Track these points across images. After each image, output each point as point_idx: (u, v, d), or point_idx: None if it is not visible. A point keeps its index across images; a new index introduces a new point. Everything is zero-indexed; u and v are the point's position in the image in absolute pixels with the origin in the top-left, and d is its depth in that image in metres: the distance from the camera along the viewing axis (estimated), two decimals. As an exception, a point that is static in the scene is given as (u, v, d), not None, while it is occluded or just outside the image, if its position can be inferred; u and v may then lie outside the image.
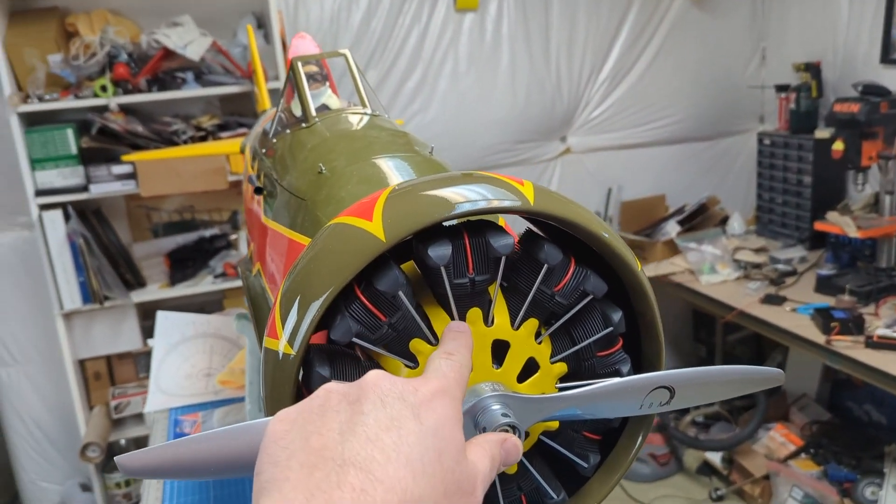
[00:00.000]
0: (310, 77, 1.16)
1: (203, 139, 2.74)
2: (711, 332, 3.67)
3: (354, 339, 0.58)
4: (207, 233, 3.01)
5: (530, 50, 3.39)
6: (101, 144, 2.61)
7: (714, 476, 3.25)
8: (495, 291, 0.61)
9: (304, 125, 1.02)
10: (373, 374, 0.45)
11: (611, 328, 0.63)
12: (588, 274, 0.62)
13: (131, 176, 2.65)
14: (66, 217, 2.65)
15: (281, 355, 0.58)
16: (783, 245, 3.25)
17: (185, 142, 2.68)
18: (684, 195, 3.66)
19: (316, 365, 0.58)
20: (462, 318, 0.61)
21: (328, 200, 0.79)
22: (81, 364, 2.89)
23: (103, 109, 2.65)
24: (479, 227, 0.60)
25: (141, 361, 2.82)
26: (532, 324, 0.62)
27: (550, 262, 0.60)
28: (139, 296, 2.81)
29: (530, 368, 0.63)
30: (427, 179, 0.62)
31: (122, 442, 2.87)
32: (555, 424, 0.65)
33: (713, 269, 3.13)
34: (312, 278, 0.57)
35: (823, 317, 2.48)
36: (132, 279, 2.82)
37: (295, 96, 1.12)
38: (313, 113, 1.02)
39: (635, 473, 3.33)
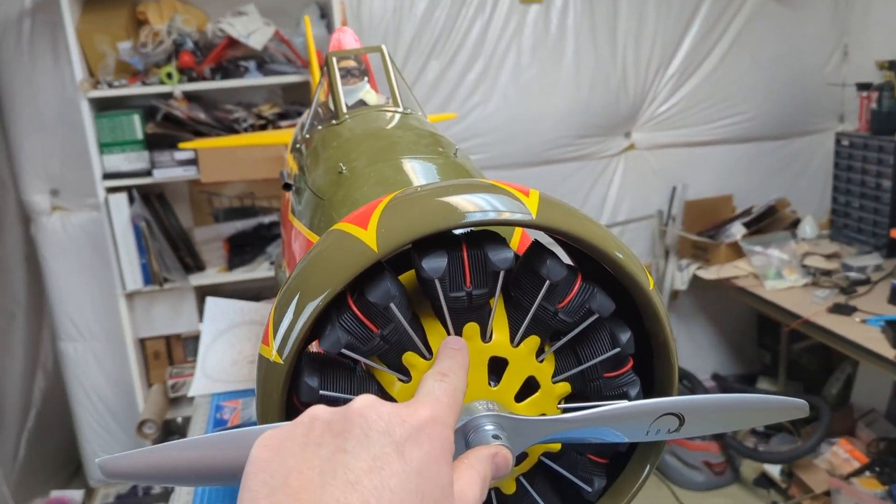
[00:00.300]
0: (347, 72, 1.14)
1: (263, 127, 2.78)
2: (777, 339, 3.52)
3: (344, 351, 0.56)
4: (266, 220, 3.06)
5: (596, 42, 3.31)
6: (165, 130, 2.68)
7: (772, 489, 3.13)
8: (493, 306, 0.58)
9: (334, 122, 1.01)
10: (360, 402, 0.44)
11: (618, 349, 0.60)
12: (594, 291, 0.59)
13: (193, 162, 2.71)
14: (131, 200, 2.73)
15: (270, 363, 0.57)
16: (858, 252, 3.09)
17: (246, 130, 2.73)
18: (753, 196, 3.52)
19: (305, 375, 0.57)
20: (458, 332, 0.59)
21: (344, 201, 0.78)
22: (142, 343, 2.98)
23: (168, 96, 2.71)
24: (478, 238, 0.58)
25: (189, 345, 2.89)
26: (533, 341, 0.60)
27: (552, 278, 0.57)
28: (198, 279, 2.88)
29: (531, 387, 0.61)
30: (427, 188, 0.59)
31: (179, 420, 2.95)
32: (557, 446, 0.62)
33: (779, 275, 3.00)
34: (304, 287, 0.56)
35: (895, 329, 2.34)
36: (191, 263, 2.89)
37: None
38: (344, 109, 1.01)
39: (688, 480, 3.24)
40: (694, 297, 3.64)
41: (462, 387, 0.49)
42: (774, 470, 3.10)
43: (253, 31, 2.71)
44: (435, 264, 0.55)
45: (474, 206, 0.56)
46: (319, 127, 1.04)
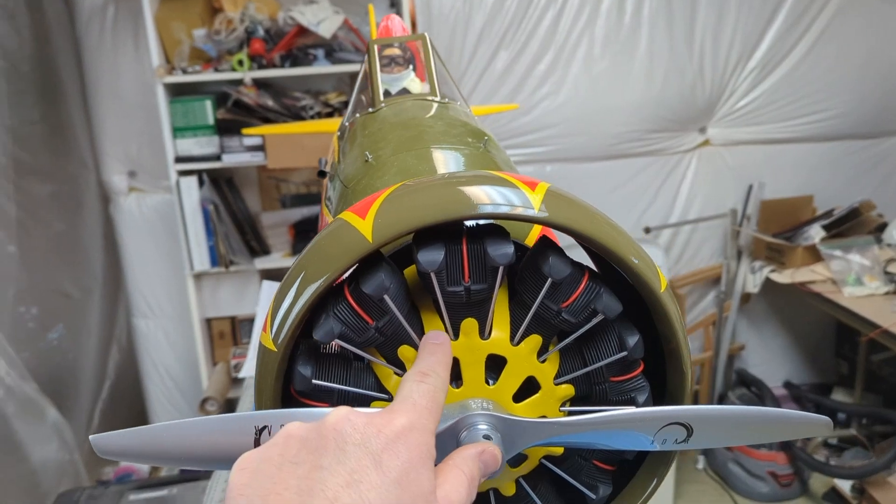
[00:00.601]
0: (391, 60, 1.13)
1: (330, 115, 2.81)
2: (855, 348, 3.35)
3: (337, 341, 0.55)
4: (331, 206, 3.09)
5: (672, 33, 3.20)
6: (235, 116, 2.74)
7: (842, 505, 2.99)
8: (493, 301, 0.56)
9: (370, 109, 1.00)
10: (334, 416, 0.43)
11: (624, 353, 0.57)
12: (601, 291, 0.56)
13: (260, 148, 2.77)
14: (201, 183, 2.81)
15: (266, 350, 0.57)
16: (947, 260, 2.90)
17: (312, 117, 2.76)
18: (835, 198, 3.34)
19: (299, 363, 0.57)
20: (455, 328, 0.57)
21: (365, 190, 0.77)
22: (208, 322, 3.07)
23: (239, 83, 2.78)
24: (481, 232, 0.56)
25: (245, 327, 2.96)
26: (534, 340, 0.57)
27: (555, 276, 0.54)
28: (262, 263, 2.94)
29: (532, 388, 0.58)
30: (430, 179, 0.57)
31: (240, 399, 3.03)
32: (559, 449, 0.60)
33: (859, 281, 2.85)
34: (301, 275, 0.55)
35: (982, 346, 2.19)
36: (257, 246, 2.95)
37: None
38: (381, 97, 1.00)
39: (752, 491, 3.12)
40: (767, 300, 3.50)
41: (443, 386, 0.49)
42: (845, 485, 2.95)
43: (322, 20, 2.73)
44: (430, 257, 0.54)
45: (475, 197, 0.53)
46: (358, 115, 1.04)
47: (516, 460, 0.59)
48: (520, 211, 0.53)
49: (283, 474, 0.41)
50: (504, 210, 0.53)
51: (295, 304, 0.55)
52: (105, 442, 0.53)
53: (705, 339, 3.48)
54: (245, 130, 2.50)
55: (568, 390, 0.59)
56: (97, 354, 3.22)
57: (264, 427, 0.52)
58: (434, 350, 0.51)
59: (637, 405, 0.59)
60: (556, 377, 0.58)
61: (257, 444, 0.52)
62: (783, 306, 3.52)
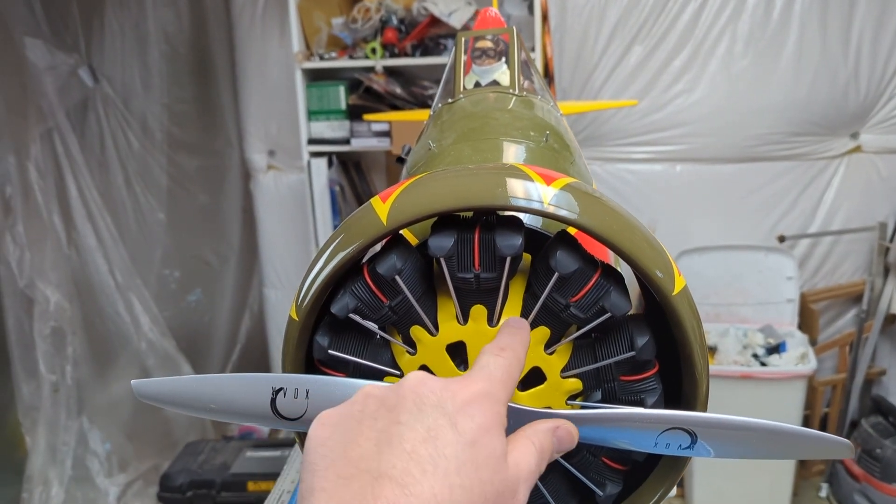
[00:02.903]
0: (482, 52, 1.15)
1: (455, 104, 2.85)
2: None
3: (351, 315, 0.58)
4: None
5: (825, 31, 2.99)
6: (365, 102, 2.85)
7: (984, 557, 2.70)
8: (502, 291, 0.57)
9: (450, 100, 1.02)
10: (413, 378, 0.45)
11: (632, 353, 0.56)
12: (610, 289, 0.55)
13: (387, 134, 2.86)
14: (330, 165, 2.95)
15: (290, 319, 0.61)
16: None
17: (438, 106, 2.82)
18: None
19: (319, 333, 0.61)
20: (465, 313, 0.59)
21: (420, 177, 0.80)
22: (330, 298, 3.22)
23: (370, 70, 2.88)
24: (498, 222, 0.57)
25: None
26: (542, 332, 0.58)
27: (562, 271, 0.55)
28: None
29: (539, 378, 0.59)
30: (454, 169, 0.59)
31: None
32: None
33: None
34: (325, 252, 0.59)
35: None
36: (378, 229, 3.06)
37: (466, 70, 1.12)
38: (461, 88, 1.02)
39: (878, 528, 2.88)
40: (915, 325, 3.20)
41: (519, 363, 0.50)
42: None
43: (454, 10, 2.78)
44: (440, 243, 0.56)
45: (482, 190, 0.55)
46: (440, 105, 1.07)
47: None
48: (522, 204, 0.54)
49: (363, 428, 0.43)
50: (513, 203, 0.54)
51: (317, 277, 0.58)
52: (143, 387, 0.59)
53: (840, 359, 3.24)
54: (367, 116, 2.60)
55: (575, 384, 0.59)
56: (230, 319, 3.47)
57: (280, 388, 0.56)
58: (514, 331, 0.53)
59: (645, 406, 0.58)
60: (564, 370, 0.59)
61: (273, 403, 0.56)
62: (934, 332, 3.21)
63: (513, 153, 0.80)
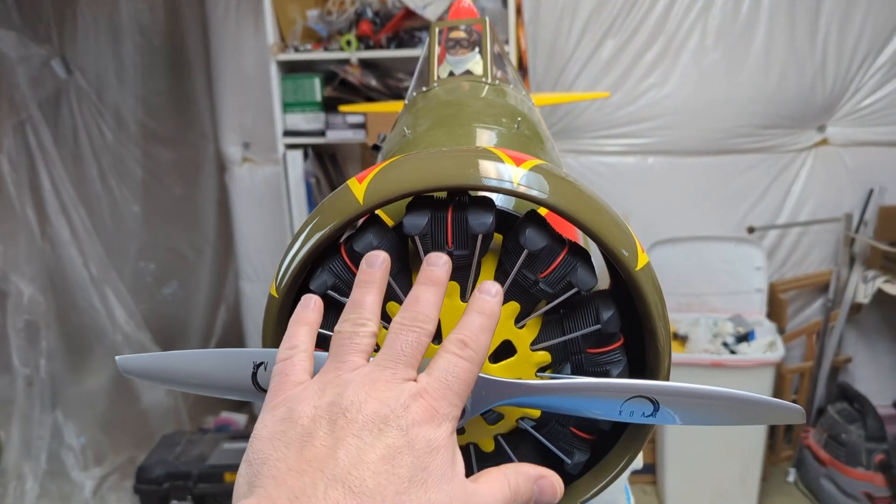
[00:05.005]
0: (456, 42, 1.17)
1: (430, 97, 2.87)
2: (977, 372, 3.11)
3: (329, 292, 0.61)
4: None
5: (793, 24, 3.05)
6: (341, 94, 2.86)
7: (944, 537, 2.79)
8: (473, 267, 0.60)
9: (424, 88, 1.04)
10: (367, 391, 0.45)
11: (598, 326, 0.59)
12: (577, 265, 0.58)
13: (362, 126, 2.87)
14: (305, 157, 2.95)
15: (270, 297, 0.63)
16: None
17: (413, 98, 2.84)
18: (966, 207, 3.09)
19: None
20: None
21: (395, 162, 0.82)
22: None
23: (345, 62, 2.89)
24: (468, 203, 0.59)
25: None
26: (511, 307, 0.61)
27: (530, 248, 0.58)
28: (358, 237, 3.06)
29: (509, 352, 0.62)
30: (427, 152, 0.62)
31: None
32: (536, 412, 0.63)
33: (982, 299, 2.64)
34: (303, 231, 0.61)
35: None
36: (355, 221, 3.08)
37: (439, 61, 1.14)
38: (435, 78, 1.04)
39: (844, 511, 2.97)
40: (880, 313, 3.29)
41: (481, 358, 0.49)
42: (950, 516, 2.75)
43: (429, 3, 2.80)
44: (414, 222, 0.58)
45: (454, 170, 0.57)
46: (414, 94, 1.09)
47: (493, 418, 0.63)
48: (494, 183, 0.56)
49: (321, 432, 0.44)
50: (485, 182, 0.56)
51: (296, 255, 0.61)
52: (128, 362, 0.60)
53: (807, 347, 3.32)
54: (342, 107, 2.61)
55: (544, 357, 0.62)
56: (206, 312, 3.46)
57: (261, 363, 0.58)
58: (483, 308, 0.51)
59: (611, 378, 0.61)
60: (533, 343, 0.61)
61: (254, 377, 0.58)
62: (898, 321, 3.30)
63: (485, 138, 0.82)
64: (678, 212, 3.28)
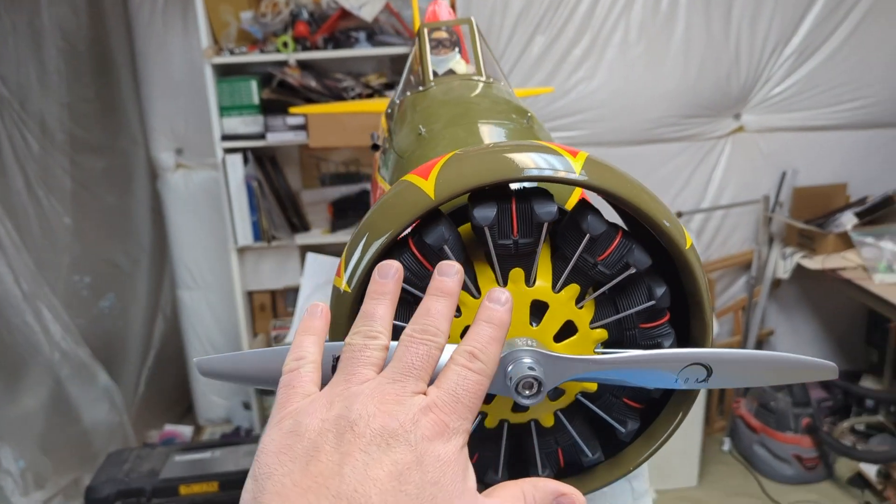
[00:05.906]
0: (438, 43, 1.21)
1: (370, 96, 2.89)
2: (885, 335, 3.37)
3: (403, 286, 0.64)
4: (369, 186, 3.19)
5: (709, 18, 3.23)
6: (279, 97, 2.84)
7: (867, 490, 3.03)
8: (538, 254, 0.64)
9: (420, 88, 1.08)
10: (365, 405, 0.45)
11: (653, 302, 0.65)
12: (632, 247, 0.63)
13: (303, 128, 2.86)
14: (245, 161, 2.92)
15: (340, 292, 0.65)
16: (981, 249, 2.91)
17: (354, 98, 2.85)
18: (869, 186, 3.35)
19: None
20: (505, 276, 0.65)
21: (419, 159, 0.85)
22: (249, 295, 3.19)
23: (283, 64, 2.87)
24: (528, 194, 0.64)
25: (290, 297, 3.07)
26: (573, 289, 0.65)
27: (592, 233, 0.62)
28: (303, 238, 3.05)
29: (570, 331, 0.66)
30: (484, 147, 0.65)
31: (279, 370, 3.15)
32: (593, 386, 0.68)
33: (890, 269, 2.87)
34: (372, 228, 0.64)
35: None
36: (297, 223, 3.06)
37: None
38: (431, 78, 1.08)
39: (776, 473, 3.17)
40: (797, 287, 3.52)
41: (492, 366, 0.48)
42: (871, 470, 2.99)
43: (364, 4, 2.81)
44: (485, 213, 0.62)
45: (522, 163, 0.61)
46: (409, 94, 1.12)
47: (555, 394, 0.67)
48: (563, 174, 0.61)
49: (327, 447, 0.43)
50: (548, 174, 0.61)
51: (366, 252, 0.63)
52: (206, 364, 0.61)
53: (735, 323, 3.52)
54: (292, 109, 2.60)
55: (602, 334, 0.67)
56: (144, 323, 3.36)
57: (339, 356, 0.60)
58: (491, 316, 0.49)
59: (662, 349, 0.66)
60: (592, 322, 0.66)
61: (333, 371, 0.60)
62: (814, 293, 3.54)
63: (504, 134, 0.87)
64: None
